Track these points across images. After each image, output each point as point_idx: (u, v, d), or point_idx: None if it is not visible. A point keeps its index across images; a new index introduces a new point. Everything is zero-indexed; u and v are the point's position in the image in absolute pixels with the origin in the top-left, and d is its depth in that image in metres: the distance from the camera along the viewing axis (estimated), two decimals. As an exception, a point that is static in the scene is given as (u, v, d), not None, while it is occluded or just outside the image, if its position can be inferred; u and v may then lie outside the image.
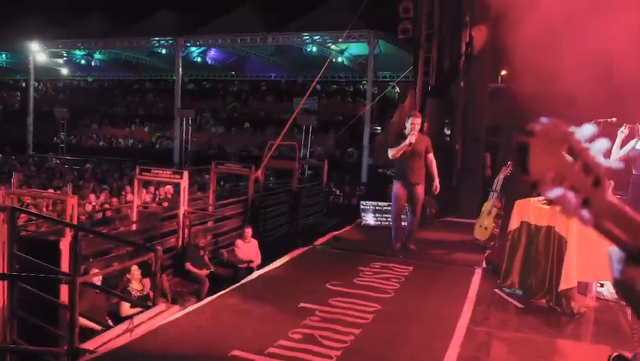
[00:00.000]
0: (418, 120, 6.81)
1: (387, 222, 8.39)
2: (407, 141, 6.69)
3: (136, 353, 3.93)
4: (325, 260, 6.70)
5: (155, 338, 4.15)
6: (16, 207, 6.58)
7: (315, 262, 6.62)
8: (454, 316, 4.74)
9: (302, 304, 4.88)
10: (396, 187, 7.02)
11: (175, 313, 4.77)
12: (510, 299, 5.35)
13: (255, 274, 5.95)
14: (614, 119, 5.91)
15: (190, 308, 4.85)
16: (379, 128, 21.65)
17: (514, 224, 5.68)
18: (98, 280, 6.28)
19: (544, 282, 5.21)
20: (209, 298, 5.06)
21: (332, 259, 6.76)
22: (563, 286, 4.92)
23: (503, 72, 11.68)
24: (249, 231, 9.41)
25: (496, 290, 5.60)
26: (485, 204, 7.63)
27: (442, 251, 7.21)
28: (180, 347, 3.95)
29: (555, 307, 5.05)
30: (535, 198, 5.62)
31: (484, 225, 7.42)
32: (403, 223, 7.31)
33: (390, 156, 6.85)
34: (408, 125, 6.77)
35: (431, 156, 6.94)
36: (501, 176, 7.36)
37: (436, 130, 10.10)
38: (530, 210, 5.49)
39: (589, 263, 5.01)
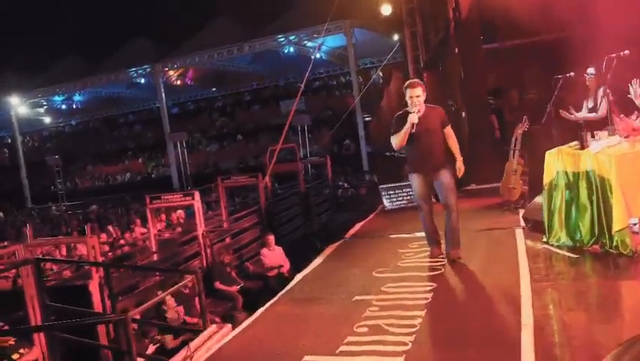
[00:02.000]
0: (418, 90, 5.15)
1: (412, 202, 8.18)
2: (410, 121, 5.12)
3: (203, 379, 3.77)
4: (361, 250, 6.54)
5: (219, 359, 3.98)
6: (40, 257, 6.40)
7: (352, 254, 6.46)
8: (514, 278, 4.60)
9: (356, 298, 4.73)
10: (414, 182, 5.46)
11: (229, 332, 4.61)
12: (562, 252, 5.21)
13: (297, 277, 5.78)
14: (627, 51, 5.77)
15: (244, 324, 4.69)
16: (369, 116, 21.53)
17: (548, 176, 5.53)
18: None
19: (594, 227, 5.06)
20: (259, 311, 4.89)
21: (367, 248, 6.60)
22: (616, 227, 4.79)
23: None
24: (271, 238, 9.28)
25: (545, 246, 5.45)
26: (507, 164, 7.48)
27: (475, 219, 7.05)
28: (248, 364, 3.79)
29: (610, 250, 4.91)
30: (567, 145, 5.49)
31: (512, 184, 7.28)
32: (432, 222, 5.62)
33: (395, 146, 5.35)
34: (408, 100, 5.21)
35: (449, 129, 5.37)
36: (519, 132, 7.21)
37: (439, 102, 9.94)
38: (564, 158, 5.34)
39: (635, 199, 4.89)
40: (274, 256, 9.17)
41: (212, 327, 4.76)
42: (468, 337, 3.72)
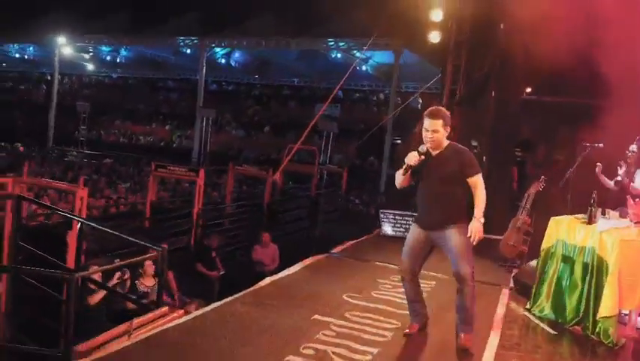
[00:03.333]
0: (437, 123, 4.04)
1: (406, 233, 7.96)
2: (407, 161, 4.09)
3: (134, 359, 3.60)
4: (342, 269, 6.33)
5: (156, 344, 3.83)
6: (23, 195, 6.34)
7: (332, 270, 6.25)
8: (482, 340, 4.34)
9: (316, 316, 4.52)
10: (410, 232, 4.41)
11: (179, 317, 4.45)
12: (541, 324, 4.94)
13: (268, 280, 5.60)
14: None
15: (195, 313, 4.53)
16: (400, 139, 21.30)
17: (548, 242, 5.27)
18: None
19: (580, 307, 4.78)
20: (216, 304, 4.72)
21: (349, 269, 6.39)
22: (603, 313, 4.50)
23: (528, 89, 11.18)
24: (266, 236, 9.13)
25: (526, 313, 5.18)
26: (513, 220, 7.20)
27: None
28: (182, 356, 3.61)
29: (591, 336, 4.62)
30: (575, 216, 5.22)
31: (512, 242, 6.99)
32: (417, 293, 4.43)
33: (397, 184, 4.25)
34: (423, 132, 4.14)
35: (476, 179, 4.10)
36: (532, 191, 6.93)
37: (463, 142, 9.69)
38: (568, 229, 5.07)
39: (631, 290, 4.60)
40: (264, 253, 9.02)
41: (164, 308, 4.61)
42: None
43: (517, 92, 9.64)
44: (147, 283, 6.43)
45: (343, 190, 15.63)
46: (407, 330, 4.30)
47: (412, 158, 4.08)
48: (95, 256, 7.16)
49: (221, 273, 8.74)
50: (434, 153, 4.13)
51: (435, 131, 4.07)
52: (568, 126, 9.59)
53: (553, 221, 5.29)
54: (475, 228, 3.98)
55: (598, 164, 6.05)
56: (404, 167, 4.10)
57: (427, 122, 4.09)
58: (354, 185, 18.06)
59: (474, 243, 4.00)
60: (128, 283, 6.19)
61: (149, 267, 6.41)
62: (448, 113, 4.17)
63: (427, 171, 4.15)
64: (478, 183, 4.12)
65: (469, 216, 4.06)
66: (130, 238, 5.52)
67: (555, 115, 9.76)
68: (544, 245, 5.29)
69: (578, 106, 9.55)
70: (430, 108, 4.18)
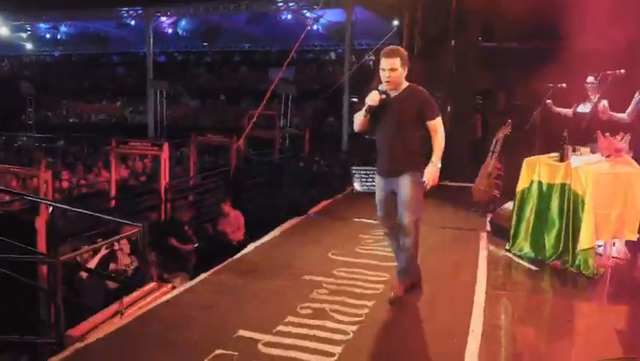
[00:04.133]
0: (395, 61, 3.80)
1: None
2: (368, 101, 3.88)
3: (129, 339, 3.54)
4: (321, 229, 6.35)
5: (149, 321, 3.76)
6: (-15, 184, 6.06)
7: (312, 231, 6.27)
8: (471, 281, 4.45)
9: (305, 277, 4.53)
10: (376, 185, 4.19)
11: (167, 292, 4.38)
12: (523, 262, 5.09)
13: (250, 246, 5.56)
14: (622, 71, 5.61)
15: (183, 287, 4.47)
16: (357, 97, 21.26)
17: (522, 183, 5.38)
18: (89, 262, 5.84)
19: (559, 243, 4.94)
20: (201, 276, 4.66)
21: (329, 228, 6.42)
22: (582, 246, 4.67)
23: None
24: (226, 206, 9.01)
25: (507, 254, 5.33)
26: (483, 166, 7.33)
27: (442, 216, 6.90)
28: (178, 331, 3.56)
29: (571, 269, 4.80)
30: (547, 155, 5.34)
31: (484, 187, 7.13)
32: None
33: (355, 127, 4.09)
34: (380, 73, 3.90)
35: (435, 122, 3.88)
36: (500, 135, 7.05)
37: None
38: (541, 168, 5.19)
39: (605, 222, 4.77)
40: (227, 223, 8.94)
41: (151, 284, 4.53)
42: (412, 334, 3.56)
43: (475, 41, 9.67)
44: (125, 261, 6.30)
45: (307, 152, 15.57)
46: (399, 293, 4.03)
47: (373, 97, 3.85)
48: (64, 240, 6.96)
49: (195, 245, 8.64)
50: (392, 94, 3.90)
51: (392, 70, 3.82)
52: (525, 72, 9.74)
53: (527, 162, 5.39)
54: (431, 173, 3.80)
55: (547, 100, 6.13)
56: (365, 108, 3.90)
57: (384, 62, 3.84)
58: (315, 147, 18.01)
59: (427, 188, 3.85)
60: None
61: (125, 246, 6.27)
62: (405, 52, 3.93)
63: (384, 114, 3.93)
64: (437, 127, 3.90)
65: (426, 164, 3.85)
66: (109, 218, 5.39)
67: (512, 62, 9.86)
68: (520, 187, 5.40)
69: (534, 51, 9.68)
70: (386, 48, 3.91)
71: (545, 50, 9.42)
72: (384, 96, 3.86)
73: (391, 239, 4.17)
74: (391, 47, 3.95)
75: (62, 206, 5.33)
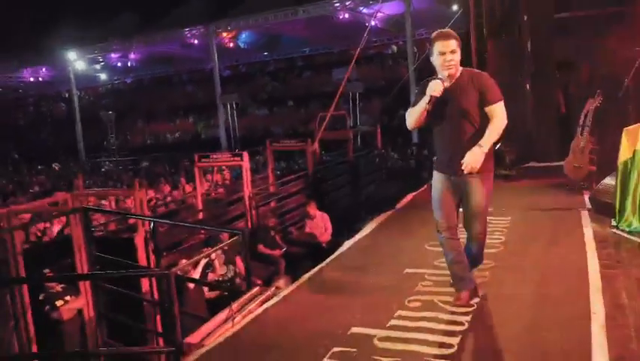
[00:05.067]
0: (452, 43, 3.46)
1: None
2: (430, 91, 3.45)
3: (245, 343, 3.61)
4: (413, 222, 6.25)
5: (262, 324, 3.82)
6: (88, 206, 6.41)
7: (403, 225, 6.19)
8: (581, 262, 4.24)
9: (407, 270, 4.48)
10: (434, 184, 3.76)
11: (272, 295, 4.45)
12: (633, 238, 4.81)
13: (345, 245, 5.56)
14: None
15: (289, 289, 4.51)
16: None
17: (624, 155, 5.10)
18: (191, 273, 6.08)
19: (672, 213, 4.64)
20: (305, 276, 4.70)
21: (419, 220, 6.28)
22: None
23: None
24: (311, 207, 9.12)
25: (614, 230, 5.05)
26: (574, 141, 6.99)
27: (536, 198, 6.65)
28: (292, 332, 3.60)
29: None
30: (649, 122, 5.03)
31: (578, 163, 6.81)
32: (460, 253, 3.73)
33: (408, 126, 3.69)
34: (436, 60, 3.51)
35: (496, 107, 3.46)
36: (591, 108, 6.70)
37: (503, 74, 9.43)
38: (645, 136, 4.89)
39: None
40: (314, 225, 9.04)
41: (255, 289, 4.62)
42: (531, 321, 3.42)
43: (549, 13, 9.26)
44: (220, 271, 6.48)
45: (379, 148, 15.47)
46: (456, 300, 3.69)
47: (435, 87, 3.43)
48: (162, 254, 7.26)
49: (284, 250, 8.78)
50: (447, 84, 3.50)
51: (453, 52, 3.45)
52: (608, 40, 9.24)
53: (627, 132, 5.10)
54: (474, 154, 3.38)
55: None
56: (427, 100, 3.45)
57: (442, 45, 3.45)
58: (387, 142, 17.89)
59: (465, 170, 3.43)
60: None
61: (219, 258, 6.45)
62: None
63: (443, 105, 3.51)
64: (497, 111, 3.46)
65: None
66: (209, 228, 5.56)
67: (593, 30, 9.37)
68: (621, 158, 5.11)
69: (615, 16, 9.15)
70: (436, 31, 3.54)
71: (624, 13, 8.90)
72: (447, 84, 3.48)
73: (450, 247, 3.70)
74: (443, 30, 3.59)
75: (163, 221, 5.55)
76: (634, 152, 5.00)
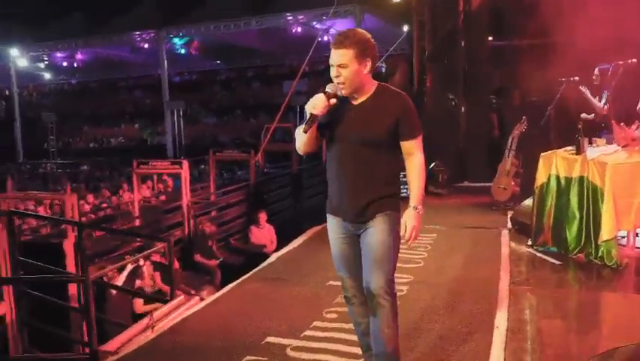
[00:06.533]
0: (339, 53, 2.56)
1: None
2: (309, 109, 2.62)
3: (161, 350, 3.63)
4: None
5: (179, 332, 3.85)
6: (15, 210, 6.24)
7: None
8: (494, 278, 4.48)
9: (330, 283, 4.59)
10: (329, 231, 2.85)
11: (195, 305, 4.48)
12: (546, 257, 5.10)
13: (273, 256, 5.66)
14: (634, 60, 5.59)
15: (210, 298, 4.56)
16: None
17: (540, 179, 5.40)
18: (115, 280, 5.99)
19: (581, 235, 4.94)
20: (228, 287, 4.76)
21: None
22: (604, 237, 4.67)
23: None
24: (262, 216, 9.14)
25: (529, 250, 5.34)
26: (501, 164, 7.35)
27: (463, 216, 6.93)
28: (208, 340, 3.65)
29: (595, 260, 4.79)
30: (563, 149, 5.35)
31: (503, 185, 7.14)
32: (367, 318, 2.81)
33: (298, 149, 2.81)
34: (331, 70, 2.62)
35: (413, 144, 2.68)
36: (516, 132, 7.07)
37: (439, 96, 9.80)
38: (558, 163, 5.21)
39: (626, 212, 4.76)
40: (261, 234, 9.04)
41: (180, 298, 4.64)
42: (436, 334, 3.58)
43: (485, 40, 9.70)
44: (147, 283, 6.42)
45: (324, 161, 15.66)
46: None
47: (317, 103, 2.58)
48: (92, 261, 7.13)
49: (220, 260, 8.76)
50: (355, 101, 2.66)
51: (342, 66, 2.56)
52: (538, 68, 9.73)
53: (543, 157, 5.41)
54: (412, 220, 2.62)
55: (582, 87, 6.01)
56: (306, 120, 2.61)
57: (331, 53, 2.59)
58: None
59: (409, 243, 2.67)
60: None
61: (147, 267, 6.40)
62: (366, 37, 2.62)
63: (342, 128, 2.66)
64: (414, 149, 2.68)
65: (395, 198, 2.72)
66: (135, 233, 5.50)
67: (525, 58, 9.86)
68: (538, 182, 5.41)
69: (546, 46, 9.65)
70: (337, 34, 2.61)
71: (555, 44, 9.41)
72: (334, 101, 2.60)
73: (357, 312, 2.87)
74: (344, 31, 2.65)
75: (90, 226, 5.47)
76: (549, 176, 5.30)
